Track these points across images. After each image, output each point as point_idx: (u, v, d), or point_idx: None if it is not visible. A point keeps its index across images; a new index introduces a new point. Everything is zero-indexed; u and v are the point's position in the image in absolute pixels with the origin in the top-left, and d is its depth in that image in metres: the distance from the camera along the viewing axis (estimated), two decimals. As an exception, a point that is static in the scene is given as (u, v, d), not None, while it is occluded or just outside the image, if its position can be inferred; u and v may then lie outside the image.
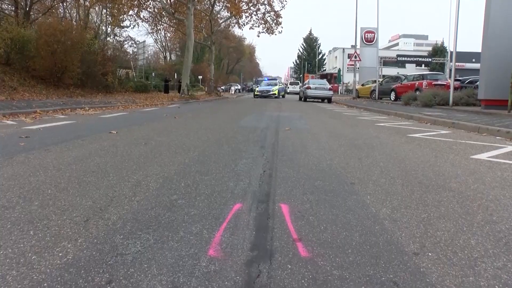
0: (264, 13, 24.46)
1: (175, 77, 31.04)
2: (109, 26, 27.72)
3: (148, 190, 2.42)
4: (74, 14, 26.18)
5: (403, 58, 38.23)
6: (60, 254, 1.52)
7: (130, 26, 24.70)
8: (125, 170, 2.93)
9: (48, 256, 1.50)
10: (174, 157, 3.47)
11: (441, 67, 37.82)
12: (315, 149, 4.16)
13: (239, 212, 2.05)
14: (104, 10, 26.74)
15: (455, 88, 13.87)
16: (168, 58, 49.72)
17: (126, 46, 30.49)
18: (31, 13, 18.30)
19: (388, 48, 79.79)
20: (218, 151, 3.90)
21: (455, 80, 14.17)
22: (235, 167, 3.11)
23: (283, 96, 28.92)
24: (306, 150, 4.07)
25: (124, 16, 21.60)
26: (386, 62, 37.98)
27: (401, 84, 18.48)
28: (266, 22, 24.58)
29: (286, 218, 1.98)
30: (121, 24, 25.05)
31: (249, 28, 25.11)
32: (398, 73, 31.30)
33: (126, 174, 2.80)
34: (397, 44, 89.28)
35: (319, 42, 74.21)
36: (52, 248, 1.57)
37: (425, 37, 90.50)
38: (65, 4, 23.89)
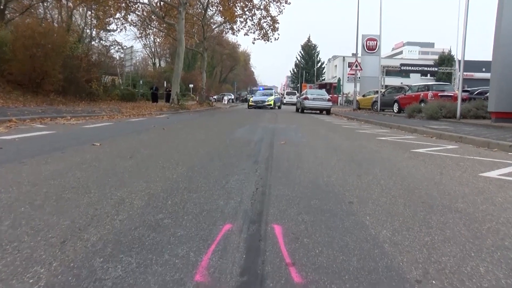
0: (260, 19, 24.82)
1: (165, 85, 31.18)
2: (94, 30, 27.83)
3: (132, 208, 2.41)
4: (56, 16, 26.11)
5: (407, 67, 38.79)
6: (31, 281, 1.49)
7: (116, 30, 24.78)
8: (108, 186, 2.92)
9: (16, 284, 1.47)
10: (161, 172, 3.47)
11: (448, 77, 38.38)
12: (312, 165, 4.19)
13: (229, 233, 2.04)
14: (89, 12, 26.87)
15: (463, 100, 13.79)
16: (158, 64, 50.05)
17: (112, 51, 30.70)
18: (6, 12, 18.20)
19: (391, 56, 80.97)
20: (209, 166, 3.90)
21: (463, 91, 14.28)
22: (226, 184, 3.12)
23: (279, 107, 29.20)
24: (302, 166, 4.10)
25: (111, 19, 21.74)
26: (389, 72, 38.62)
27: (405, 95, 18.75)
28: (261, 28, 24.91)
29: (279, 240, 1.98)
30: (107, 28, 25.24)
31: (244, 34, 25.63)
32: (401, 83, 31.73)
33: (109, 190, 2.79)
34: (401, 52, 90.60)
35: (318, 49, 75.39)
36: (22, 274, 1.54)
37: (431, 45, 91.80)
38: (45, 4, 23.82)
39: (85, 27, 28.94)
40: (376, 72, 24.10)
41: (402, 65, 38.60)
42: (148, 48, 48.06)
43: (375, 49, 26.99)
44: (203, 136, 7.11)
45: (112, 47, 30.24)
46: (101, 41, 29.50)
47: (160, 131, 7.73)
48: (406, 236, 2.10)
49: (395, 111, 18.89)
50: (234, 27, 26.88)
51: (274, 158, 4.57)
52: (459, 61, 14.87)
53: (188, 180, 3.22)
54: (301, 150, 5.43)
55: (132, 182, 3.05)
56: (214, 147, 5.42)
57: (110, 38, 29.46)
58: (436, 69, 38.76)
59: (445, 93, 16.66)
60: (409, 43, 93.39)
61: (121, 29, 23.93)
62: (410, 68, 39.35)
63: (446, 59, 44.56)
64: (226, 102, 39.79)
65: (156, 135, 7.03)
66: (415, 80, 38.68)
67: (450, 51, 46.23)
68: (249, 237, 2.00)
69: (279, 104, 29.26)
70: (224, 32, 33.63)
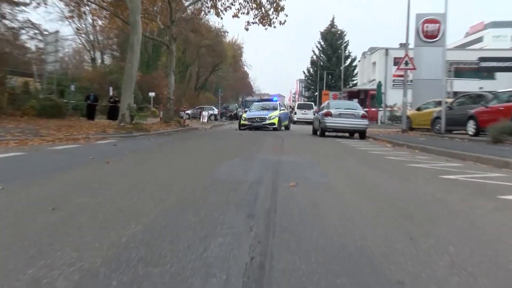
0: (257, -8, 25.26)
1: (110, 92, 31.38)
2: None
3: (53, 293, 2.40)
4: None
5: (491, 63, 38.57)
6: None
7: (30, 3, 24.59)
8: (14, 258, 2.91)
9: None
10: (103, 234, 3.48)
11: None
12: (337, 220, 4.21)
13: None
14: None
15: None
16: (99, 61, 50.57)
17: (24, 37, 30.56)
18: None
19: (463, 46, 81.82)
20: (178, 222, 3.92)
21: None
22: (204, 251, 3.13)
23: (287, 127, 29.43)
24: (322, 222, 4.12)
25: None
26: (460, 71, 38.67)
27: (487, 107, 18.83)
28: (259, 6, 25.29)
29: None
30: (14, 0, 25.01)
31: (233, 16, 25.51)
32: (481, 88, 32.00)
33: (14, 266, 2.78)
34: (480, 40, 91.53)
35: (346, 38, 76.65)
36: None
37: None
38: None
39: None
40: (438, 72, 24.15)
41: (481, 59, 38.61)
42: (84, 36, 48.72)
43: (437, 36, 27.27)
44: (170, 175, 7.13)
45: (23, 31, 30.09)
46: (4, 21, 29.01)
47: (102, 167, 7.77)
48: None
49: (471, 133, 18.97)
50: (218, 4, 27.35)
51: (279, 209, 4.59)
52: None
53: (145, 245, 3.23)
54: (321, 196, 5.47)
55: (54, 251, 3.04)
56: (187, 193, 5.45)
57: (20, 17, 29.04)
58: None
59: None
60: (495, 24, 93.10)
61: (39, 4, 23.98)
62: (495, 64, 39.14)
63: None
64: (205, 120, 39.97)
65: (96, 173, 7.04)
66: (505, 82, 38.27)
67: None
68: None
69: (286, 123, 29.48)
70: (203, 13, 34.08)
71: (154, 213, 4.27)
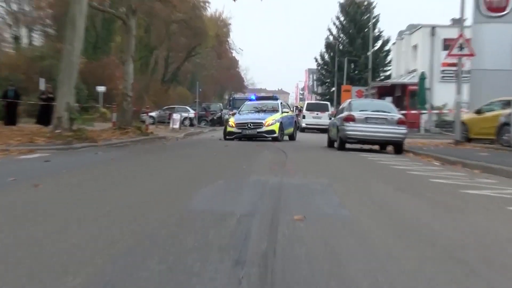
0: None
1: (41, 86, 31.37)
2: None
3: None
4: None
5: None
6: None
7: None
8: None
9: None
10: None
11: None
12: (362, 271, 4.18)
13: None
14: None
15: None
16: (26, 41, 50.58)
17: None
18: None
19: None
20: (136, 272, 3.87)
21: None
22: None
23: (292, 137, 29.64)
24: (340, 273, 4.08)
25: None
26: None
27: None
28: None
29: None
30: None
31: None
32: None
33: None
34: None
35: (375, 12, 76.06)
36: None
37: None
38: None
39: None
40: (507, 59, 24.10)
41: None
42: (3, 5, 48.62)
43: (505, 9, 27.27)
44: (127, 204, 7.11)
45: None
46: None
47: (28, 192, 7.76)
48: None
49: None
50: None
51: (279, 253, 4.56)
52: None
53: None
54: (338, 236, 5.47)
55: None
56: (149, 230, 5.43)
57: None
58: None
59: None
60: None
61: None
62: None
63: None
64: (177, 126, 40.00)
65: (19, 201, 7.02)
66: None
67: None
68: None
69: (291, 130, 29.65)
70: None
71: (101, 259, 4.19)
